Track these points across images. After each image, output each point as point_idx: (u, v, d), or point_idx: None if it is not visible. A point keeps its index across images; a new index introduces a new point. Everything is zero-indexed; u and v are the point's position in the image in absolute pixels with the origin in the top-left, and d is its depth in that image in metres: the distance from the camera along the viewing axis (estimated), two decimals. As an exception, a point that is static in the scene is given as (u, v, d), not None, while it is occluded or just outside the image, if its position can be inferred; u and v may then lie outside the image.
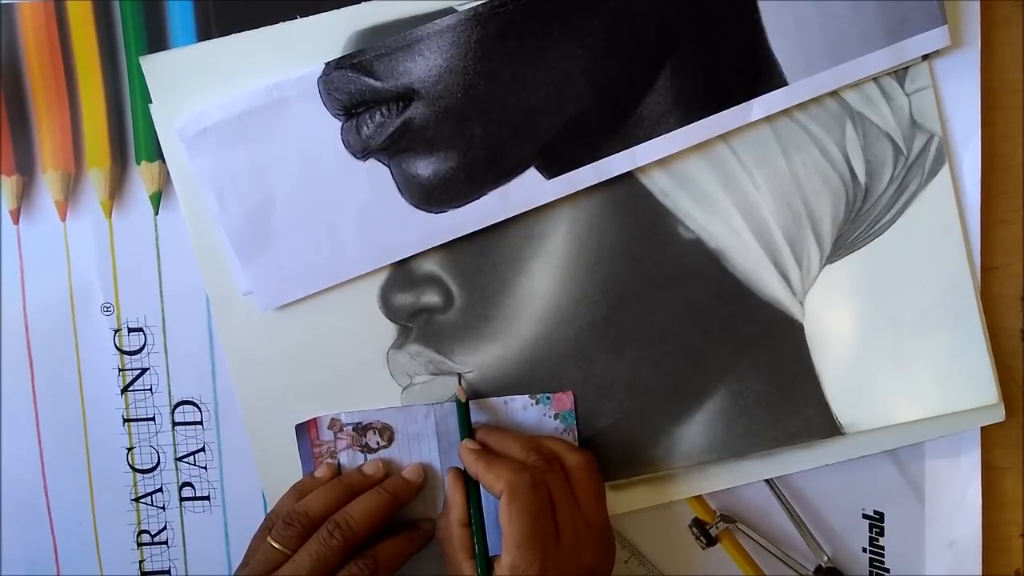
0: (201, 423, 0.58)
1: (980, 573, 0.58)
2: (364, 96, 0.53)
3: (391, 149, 0.54)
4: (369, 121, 0.53)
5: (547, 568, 0.48)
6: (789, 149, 0.55)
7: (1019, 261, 0.57)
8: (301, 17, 0.54)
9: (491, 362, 0.56)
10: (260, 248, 0.55)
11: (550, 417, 0.56)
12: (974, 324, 0.56)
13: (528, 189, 0.54)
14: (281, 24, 0.54)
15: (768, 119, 0.55)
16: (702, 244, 0.56)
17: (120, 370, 0.58)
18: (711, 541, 0.59)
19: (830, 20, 0.53)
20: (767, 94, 0.54)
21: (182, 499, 0.59)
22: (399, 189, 0.54)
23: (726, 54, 0.54)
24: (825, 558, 0.58)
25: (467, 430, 0.55)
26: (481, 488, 0.53)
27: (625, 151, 0.54)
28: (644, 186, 0.56)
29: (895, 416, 0.56)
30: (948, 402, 0.56)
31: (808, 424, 0.56)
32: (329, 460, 0.57)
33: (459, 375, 0.56)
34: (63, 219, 0.57)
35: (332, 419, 0.57)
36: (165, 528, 0.59)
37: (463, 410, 0.55)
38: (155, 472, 0.58)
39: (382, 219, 0.55)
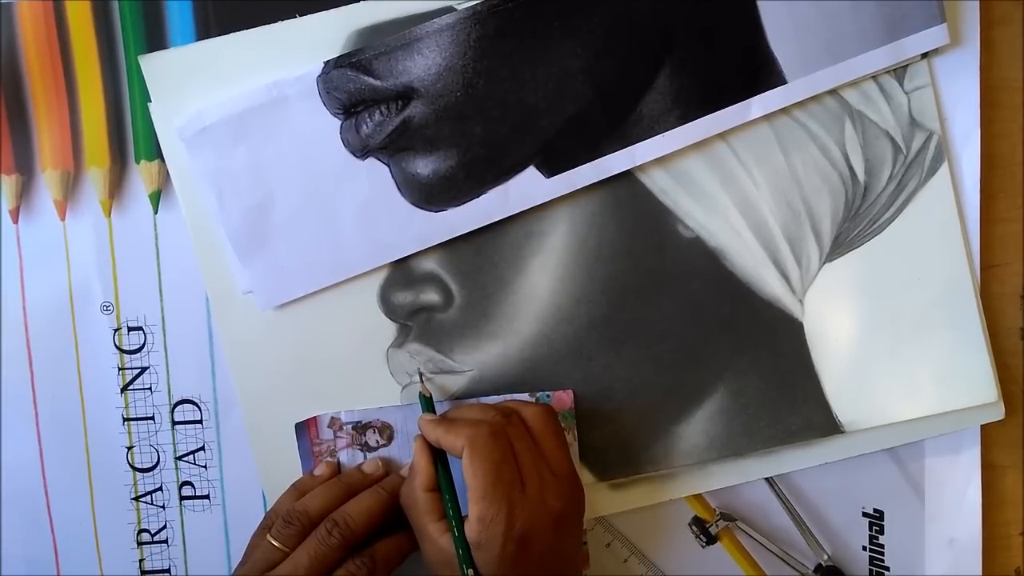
0: (201, 422, 0.58)
1: (980, 571, 0.58)
2: (363, 95, 0.53)
3: (390, 148, 0.54)
4: (368, 120, 0.53)
5: (514, 515, 0.48)
6: (788, 147, 0.55)
7: (1019, 259, 0.57)
8: (300, 16, 0.54)
9: (491, 361, 0.56)
10: (260, 247, 0.55)
11: (550, 416, 0.56)
12: (973, 322, 0.56)
13: (528, 188, 0.54)
14: (280, 23, 0.54)
15: (767, 118, 0.55)
16: (702, 243, 0.56)
17: (120, 369, 0.58)
18: (711, 540, 0.59)
19: (829, 18, 0.53)
20: (766, 92, 0.54)
21: (182, 498, 0.59)
22: (398, 188, 0.54)
23: (725, 53, 0.54)
24: (825, 556, 0.58)
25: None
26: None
27: (624, 150, 0.54)
28: (644, 185, 0.56)
29: (895, 414, 0.56)
30: (948, 400, 0.56)
31: (808, 422, 0.57)
32: (329, 459, 0.57)
33: (419, 373, 0.56)
34: (62, 218, 0.57)
35: (332, 418, 0.57)
36: (165, 527, 0.59)
37: (427, 404, 0.55)
38: (155, 471, 0.58)
39: (382, 218, 0.55)
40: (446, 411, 0.55)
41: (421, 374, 0.56)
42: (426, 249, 0.55)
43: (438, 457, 0.52)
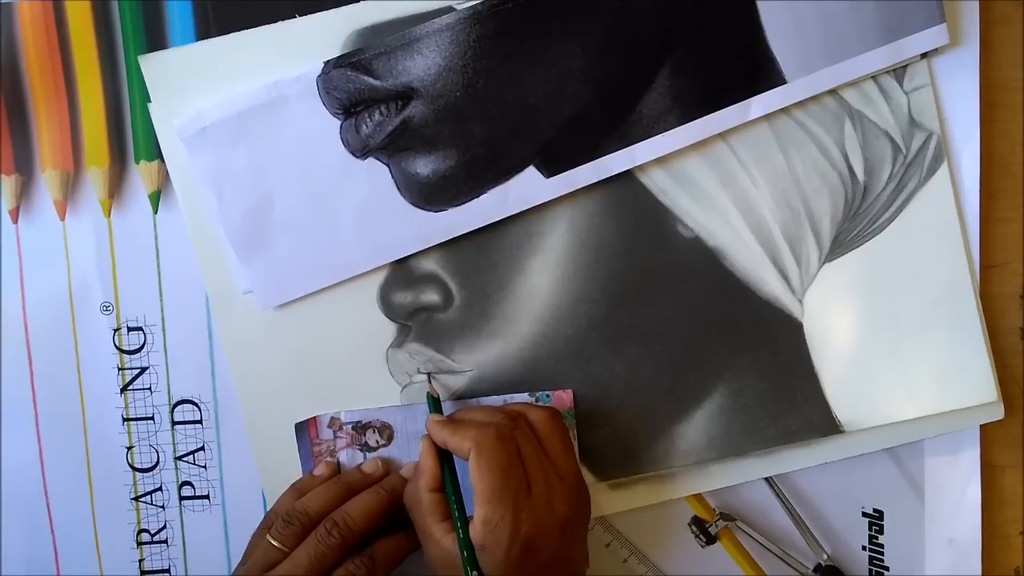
0: (200, 422, 0.58)
1: (980, 571, 0.58)
2: (363, 95, 0.53)
3: (390, 148, 0.54)
4: (368, 120, 0.53)
5: (519, 519, 0.48)
6: (788, 147, 0.55)
7: (1018, 259, 0.57)
8: (300, 16, 0.54)
9: (491, 361, 0.56)
10: (260, 247, 0.55)
11: (549, 416, 0.56)
12: (973, 322, 0.56)
13: (527, 188, 0.54)
14: (280, 23, 0.54)
15: (767, 117, 0.55)
16: (701, 242, 0.56)
17: (119, 369, 0.58)
18: (710, 539, 0.59)
19: (829, 18, 0.53)
20: (765, 92, 0.54)
21: (182, 498, 0.59)
22: (398, 188, 0.54)
23: (725, 53, 0.54)
24: (825, 556, 0.58)
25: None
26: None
27: (624, 150, 0.54)
28: (643, 184, 0.56)
29: (894, 414, 0.56)
30: (947, 400, 0.56)
31: (807, 422, 0.57)
32: (328, 459, 0.57)
33: (428, 374, 0.56)
34: (62, 218, 0.57)
35: (332, 418, 0.57)
36: (165, 527, 0.59)
37: (435, 405, 0.55)
38: (155, 471, 0.58)
39: (381, 218, 0.55)
40: (453, 412, 0.55)
41: (430, 375, 0.56)
42: (426, 249, 0.55)
43: (444, 458, 0.52)
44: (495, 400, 0.56)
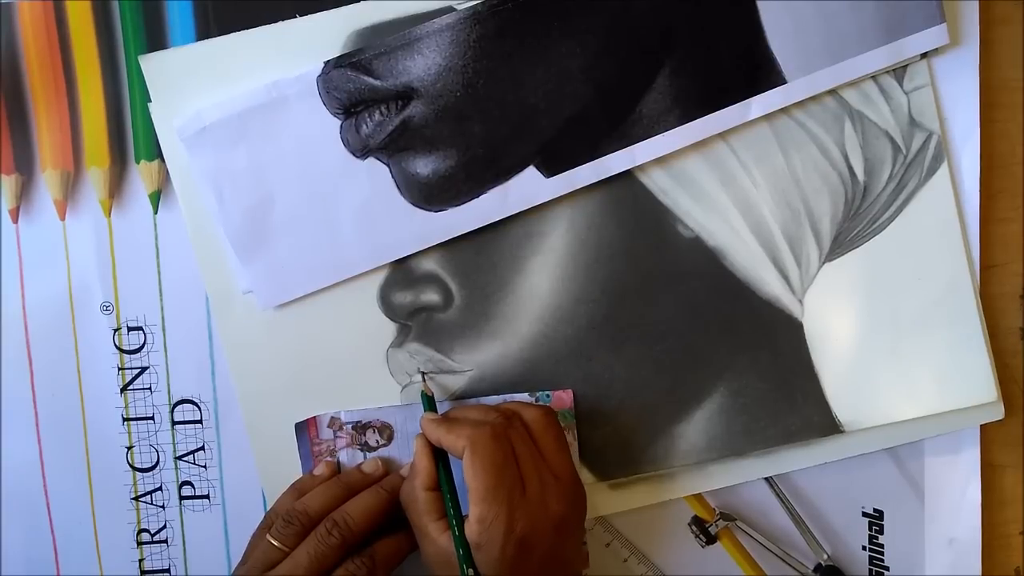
0: (200, 422, 0.58)
1: (980, 571, 0.58)
2: (363, 95, 0.53)
3: (390, 148, 0.54)
4: (368, 120, 0.53)
5: (514, 518, 0.48)
6: (788, 147, 0.55)
7: (1018, 259, 0.57)
8: (300, 16, 0.54)
9: (491, 360, 0.56)
10: (260, 247, 0.55)
11: (549, 415, 0.56)
12: (973, 322, 0.56)
13: (527, 188, 0.54)
14: (280, 23, 0.54)
15: (767, 117, 0.55)
16: (701, 242, 0.56)
17: (119, 369, 0.58)
18: (710, 539, 0.59)
19: (829, 18, 0.53)
20: (766, 92, 0.54)
21: (182, 498, 0.59)
22: (398, 188, 0.54)
23: (725, 53, 0.54)
24: (825, 556, 0.58)
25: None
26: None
27: (624, 150, 0.54)
28: (643, 184, 0.56)
29: (894, 414, 0.56)
30: (947, 400, 0.56)
31: (807, 422, 0.57)
32: (328, 458, 0.57)
33: (422, 372, 0.56)
34: (62, 218, 0.57)
35: (332, 417, 0.57)
36: (165, 527, 0.59)
37: (430, 403, 0.55)
38: (155, 471, 0.58)
39: (381, 218, 0.55)
40: (448, 411, 0.55)
41: (424, 373, 0.56)
42: (426, 249, 0.55)
43: (439, 456, 0.52)
44: (495, 400, 0.56)
